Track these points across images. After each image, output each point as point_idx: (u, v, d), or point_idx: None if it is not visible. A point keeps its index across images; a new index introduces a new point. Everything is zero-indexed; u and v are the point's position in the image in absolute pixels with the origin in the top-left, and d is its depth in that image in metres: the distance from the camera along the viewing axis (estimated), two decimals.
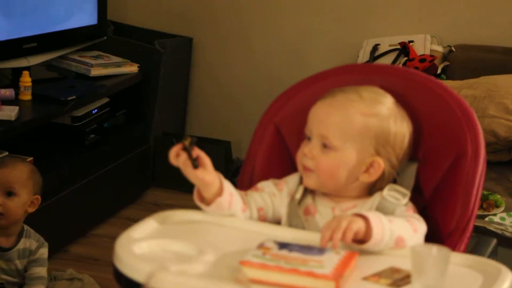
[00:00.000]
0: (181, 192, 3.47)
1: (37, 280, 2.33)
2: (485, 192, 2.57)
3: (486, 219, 2.47)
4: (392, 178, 1.54)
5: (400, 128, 1.52)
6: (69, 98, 3.10)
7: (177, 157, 1.40)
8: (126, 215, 3.39)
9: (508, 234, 2.39)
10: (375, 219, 1.37)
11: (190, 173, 1.41)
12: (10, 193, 2.27)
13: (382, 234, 1.37)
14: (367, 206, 1.51)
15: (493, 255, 1.58)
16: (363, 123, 1.49)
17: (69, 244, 3.07)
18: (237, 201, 1.48)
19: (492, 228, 2.36)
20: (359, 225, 1.35)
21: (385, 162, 1.50)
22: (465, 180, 1.53)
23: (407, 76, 1.65)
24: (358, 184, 1.52)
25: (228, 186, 1.46)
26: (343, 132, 1.48)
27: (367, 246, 1.37)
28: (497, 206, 2.54)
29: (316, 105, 1.53)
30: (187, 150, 1.39)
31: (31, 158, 2.96)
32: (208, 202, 1.45)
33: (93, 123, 3.34)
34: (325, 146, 1.50)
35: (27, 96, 3.05)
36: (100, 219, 3.29)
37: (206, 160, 1.41)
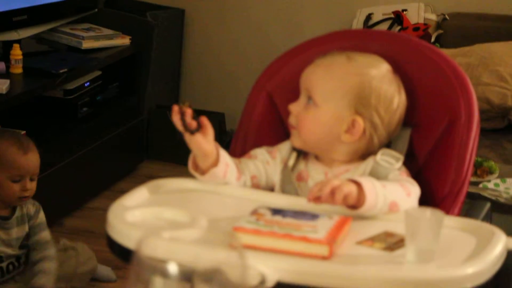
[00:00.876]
0: (175, 164, 3.47)
1: (46, 244, 2.36)
2: (479, 159, 2.57)
3: (480, 185, 2.47)
4: (384, 142, 1.53)
5: (387, 90, 1.50)
6: (60, 71, 3.07)
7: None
8: (120, 188, 3.39)
9: (502, 200, 2.40)
10: (368, 184, 1.37)
11: (190, 140, 1.40)
12: (32, 178, 2.33)
13: (375, 199, 1.36)
14: (360, 170, 1.50)
15: (487, 219, 1.58)
16: (344, 81, 1.49)
17: (64, 217, 3.07)
18: (232, 170, 1.47)
19: (486, 195, 2.36)
20: (350, 188, 1.34)
21: (365, 123, 1.49)
22: (459, 144, 1.52)
23: (401, 41, 1.64)
24: (346, 146, 1.51)
25: (224, 156, 1.45)
26: (323, 88, 1.49)
27: (361, 211, 1.36)
28: (491, 173, 2.54)
29: (308, 66, 1.53)
30: (182, 114, 1.38)
31: (23, 132, 2.95)
32: (202, 172, 1.45)
33: (85, 96, 3.32)
34: (309, 99, 1.50)
35: (18, 69, 3.03)
36: (95, 192, 3.29)
37: (208, 129, 1.41)
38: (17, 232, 2.33)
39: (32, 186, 2.31)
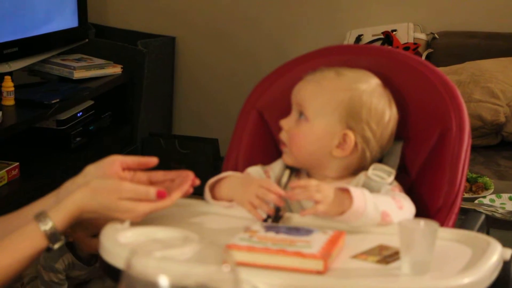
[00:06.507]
0: None
1: None
2: (474, 175, 2.56)
3: (476, 201, 2.46)
4: (377, 157, 1.52)
5: (377, 104, 1.50)
6: (52, 102, 3.08)
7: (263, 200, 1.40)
8: None
9: (498, 215, 2.38)
10: (357, 190, 1.37)
11: (252, 211, 1.41)
12: None
13: (364, 205, 1.35)
14: (351, 186, 1.49)
15: (482, 230, 1.57)
16: (334, 96, 1.49)
17: None
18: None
19: (482, 210, 2.35)
20: (328, 192, 1.35)
21: (357, 137, 1.49)
22: (451, 155, 1.52)
23: (389, 55, 1.64)
24: (338, 162, 1.50)
25: None
26: (314, 103, 1.49)
27: (348, 215, 1.35)
28: (486, 189, 2.53)
29: (299, 82, 1.53)
30: (277, 211, 1.41)
31: (17, 163, 2.94)
32: (216, 197, 1.46)
33: (78, 126, 3.32)
34: (301, 115, 1.50)
35: (10, 101, 3.04)
36: None
37: None
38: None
39: None
